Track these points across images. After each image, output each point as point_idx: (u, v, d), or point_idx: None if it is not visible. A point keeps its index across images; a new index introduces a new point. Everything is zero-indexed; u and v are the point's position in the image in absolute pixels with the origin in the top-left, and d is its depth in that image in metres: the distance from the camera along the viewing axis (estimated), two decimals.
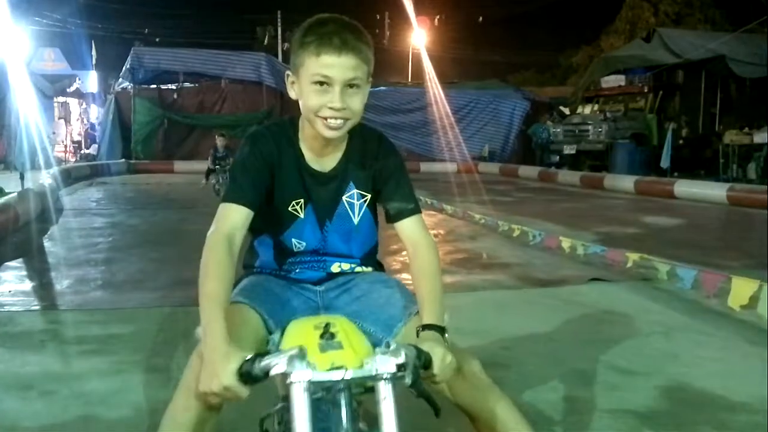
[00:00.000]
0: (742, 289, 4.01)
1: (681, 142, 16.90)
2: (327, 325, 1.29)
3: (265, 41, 30.15)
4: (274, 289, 1.61)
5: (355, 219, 1.67)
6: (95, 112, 25.85)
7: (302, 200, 1.62)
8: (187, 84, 21.44)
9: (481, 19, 35.88)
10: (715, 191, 10.93)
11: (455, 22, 36.62)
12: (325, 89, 1.46)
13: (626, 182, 12.99)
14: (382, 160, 1.69)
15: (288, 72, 1.56)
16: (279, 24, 31.72)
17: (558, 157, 18.77)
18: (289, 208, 1.61)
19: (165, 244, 6.87)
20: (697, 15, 33.03)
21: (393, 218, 1.67)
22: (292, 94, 1.56)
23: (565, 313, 4.15)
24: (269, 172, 1.57)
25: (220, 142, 11.58)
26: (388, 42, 35.28)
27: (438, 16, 33.22)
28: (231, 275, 1.41)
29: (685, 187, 11.58)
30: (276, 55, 26.76)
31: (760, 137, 14.54)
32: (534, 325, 3.84)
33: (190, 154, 20.50)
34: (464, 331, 3.72)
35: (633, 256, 5.13)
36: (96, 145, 22.16)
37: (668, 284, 4.67)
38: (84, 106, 25.89)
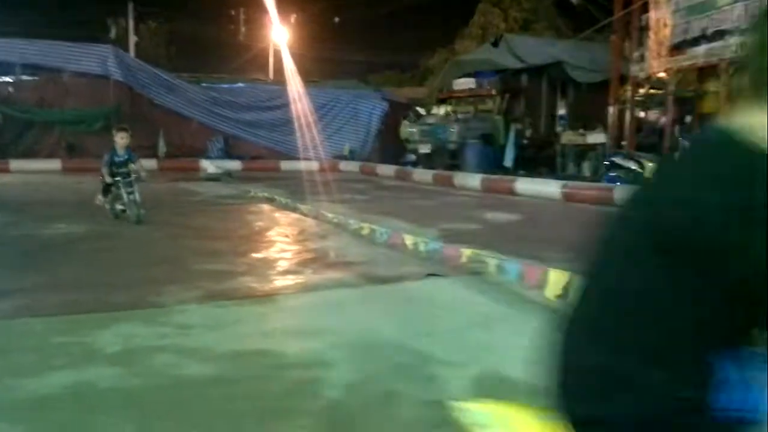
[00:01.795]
0: (557, 280, 4.35)
1: (525, 142, 18.02)
2: None
3: (113, 34, 28.53)
4: None
5: None
6: None
7: None
8: (24, 77, 19.85)
9: (337, 19, 36.17)
10: (550, 188, 11.76)
11: (314, 21, 36.68)
12: None
13: (474, 180, 13.65)
14: None
15: None
16: (131, 16, 30.16)
17: (414, 155, 19.39)
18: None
19: None
20: (542, 22, 35.31)
21: None
22: None
23: (399, 308, 4.32)
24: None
25: (121, 140, 8.22)
26: (245, 37, 34.68)
27: (294, 15, 33.11)
28: None
29: (524, 185, 12.37)
30: (126, 49, 25.43)
31: (593, 138, 15.83)
32: (367, 322, 3.96)
33: (29, 152, 19.05)
34: (297, 332, 3.78)
35: (466, 252, 5.41)
36: None
37: (497, 277, 4.97)
38: None
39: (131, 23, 29.45)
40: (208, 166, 16.63)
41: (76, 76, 19.64)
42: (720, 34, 12.09)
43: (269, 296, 4.61)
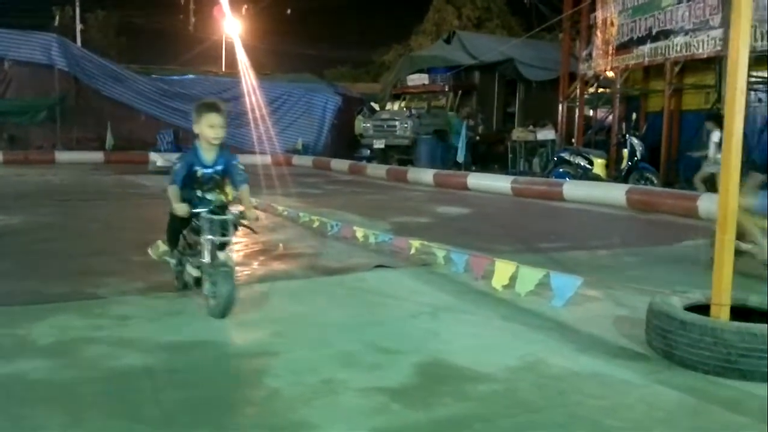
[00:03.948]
0: (503, 270, 4.37)
1: (478, 138, 18.19)
2: None
3: (56, 21, 27.66)
4: None
5: None
6: None
7: None
8: None
9: (289, 11, 35.95)
10: (500, 183, 11.91)
11: (266, 13, 36.34)
12: None
13: (427, 175, 13.71)
14: None
15: None
16: (77, 4, 29.28)
17: (369, 150, 19.38)
18: None
19: None
20: (495, 20, 35.80)
21: None
22: None
23: (346, 299, 4.29)
24: None
25: (210, 130, 3.88)
26: (196, 29, 34.13)
27: (245, 6, 32.72)
28: None
29: (476, 180, 12.49)
30: (72, 38, 24.70)
31: (543, 135, 16.08)
32: (313, 313, 3.91)
33: None
34: (241, 322, 3.71)
35: (415, 244, 5.41)
36: None
37: (444, 269, 4.98)
38: None
39: (77, 11, 28.62)
40: (157, 158, 16.24)
41: (18, 64, 18.99)
42: (665, 34, 12.42)
43: None
